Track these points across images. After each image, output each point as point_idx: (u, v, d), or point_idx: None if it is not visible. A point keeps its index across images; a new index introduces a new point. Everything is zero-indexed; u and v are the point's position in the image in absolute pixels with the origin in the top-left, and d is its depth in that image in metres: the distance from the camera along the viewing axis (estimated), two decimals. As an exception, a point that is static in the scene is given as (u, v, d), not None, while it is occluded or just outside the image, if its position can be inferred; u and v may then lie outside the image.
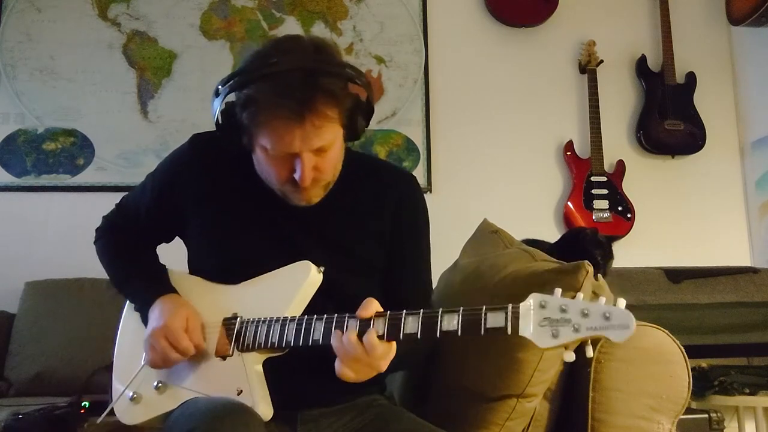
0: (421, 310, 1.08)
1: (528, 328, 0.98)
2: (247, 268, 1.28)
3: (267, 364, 1.20)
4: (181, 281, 1.36)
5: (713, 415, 1.99)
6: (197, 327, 1.26)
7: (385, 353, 1.09)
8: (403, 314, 1.08)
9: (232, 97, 1.22)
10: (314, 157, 1.20)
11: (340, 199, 1.33)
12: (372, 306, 1.11)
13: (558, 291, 1.00)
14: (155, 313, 1.29)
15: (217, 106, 1.22)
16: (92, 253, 1.48)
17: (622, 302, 0.96)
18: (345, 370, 1.10)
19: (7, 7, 3.14)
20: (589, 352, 0.98)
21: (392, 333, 1.08)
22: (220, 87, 1.21)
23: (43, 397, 2.21)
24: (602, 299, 0.97)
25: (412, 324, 1.07)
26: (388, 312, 1.10)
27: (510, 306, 1.01)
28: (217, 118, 1.24)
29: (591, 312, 0.96)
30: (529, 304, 1.00)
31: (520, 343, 1.33)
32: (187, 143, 1.39)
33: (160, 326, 1.25)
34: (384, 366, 1.10)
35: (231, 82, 1.19)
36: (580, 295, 0.99)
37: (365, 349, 1.07)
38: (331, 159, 1.24)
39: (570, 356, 0.98)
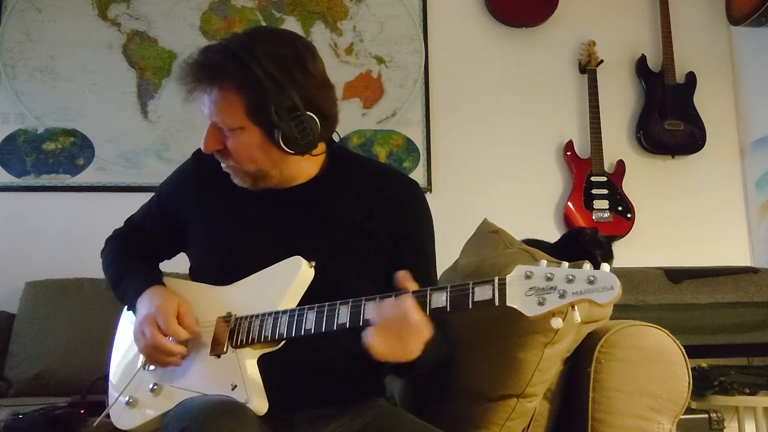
0: (411, 290, 1.09)
1: (514, 298, 1.01)
2: (243, 267, 1.29)
3: (264, 366, 1.20)
4: (175, 285, 1.37)
5: (713, 415, 1.99)
6: (189, 313, 1.27)
7: (420, 327, 1.07)
8: (393, 295, 1.10)
9: None
10: (218, 132, 1.27)
11: (336, 198, 1.35)
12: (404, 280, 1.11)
13: (543, 262, 1.02)
14: (144, 302, 1.30)
15: None
16: (92, 253, 1.49)
17: (605, 266, 0.98)
18: (376, 337, 1.08)
19: (7, 7, 3.14)
20: (576, 317, 0.99)
21: None
22: None
23: (43, 397, 2.20)
24: (587, 265, 0.99)
25: None
26: (378, 296, 1.11)
27: (496, 278, 1.03)
28: None
29: (576, 277, 0.98)
30: (515, 275, 1.02)
31: (521, 343, 1.34)
32: (190, 156, 1.45)
33: (149, 312, 1.26)
34: (416, 350, 1.08)
35: None
36: (565, 264, 1.01)
37: (401, 310, 1.06)
38: (237, 146, 1.27)
39: (558, 323, 0.99)
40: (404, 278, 1.11)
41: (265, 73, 1.20)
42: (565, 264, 1.00)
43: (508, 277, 1.02)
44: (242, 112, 1.23)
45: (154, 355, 1.26)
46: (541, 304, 0.99)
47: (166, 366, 1.27)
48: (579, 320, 0.99)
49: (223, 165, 1.32)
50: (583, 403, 1.37)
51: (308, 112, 1.24)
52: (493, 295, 1.02)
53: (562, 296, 0.98)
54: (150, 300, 1.29)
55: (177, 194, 1.43)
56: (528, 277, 1.00)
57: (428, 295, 1.08)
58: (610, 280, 0.96)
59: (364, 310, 1.11)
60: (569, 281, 0.98)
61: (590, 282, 0.97)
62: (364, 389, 1.35)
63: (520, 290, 1.00)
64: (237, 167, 1.30)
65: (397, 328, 1.06)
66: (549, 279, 0.99)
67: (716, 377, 2.45)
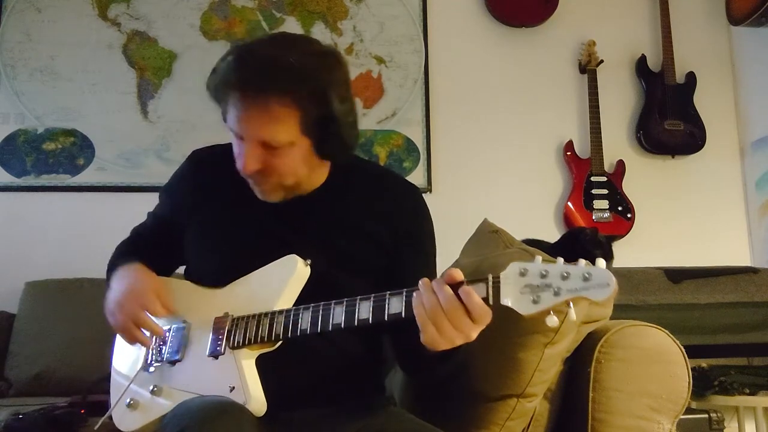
0: (404, 289, 1.08)
1: (508, 296, 0.99)
2: (242, 269, 1.28)
3: (263, 366, 1.20)
4: (173, 285, 1.37)
5: (713, 415, 1.99)
6: (167, 292, 1.27)
7: (484, 315, 1.02)
8: (387, 294, 1.09)
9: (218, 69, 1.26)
10: (262, 150, 1.21)
11: (336, 201, 1.34)
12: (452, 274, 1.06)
13: (539, 258, 1.00)
14: (120, 275, 1.30)
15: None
16: (92, 253, 1.50)
17: (601, 262, 0.96)
18: (430, 329, 1.03)
19: (7, 7, 3.14)
20: (572, 315, 0.97)
21: (377, 315, 1.09)
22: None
23: (43, 397, 2.20)
24: (582, 261, 0.97)
25: (396, 303, 1.08)
26: (372, 295, 1.11)
27: (490, 276, 1.01)
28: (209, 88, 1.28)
29: (571, 274, 0.96)
30: (509, 272, 1.00)
31: (521, 343, 1.34)
32: (186, 159, 1.44)
33: (128, 287, 1.26)
34: (475, 334, 1.04)
35: (222, 57, 1.25)
36: (561, 260, 0.99)
37: (459, 297, 1.01)
38: (285, 161, 1.23)
39: (553, 321, 0.96)
40: (453, 271, 1.06)
41: (318, 84, 1.18)
42: (561, 260, 0.98)
43: (502, 274, 1.00)
44: (296, 126, 1.20)
45: (132, 330, 1.24)
46: (535, 302, 0.97)
47: (137, 342, 1.27)
48: (575, 318, 0.97)
49: (252, 183, 1.28)
50: (583, 403, 1.37)
51: (350, 119, 1.24)
52: (487, 293, 1.01)
53: (557, 294, 0.96)
54: (126, 274, 1.29)
55: (173, 199, 1.43)
56: (522, 275, 0.98)
57: (387, 300, 1.08)
58: (605, 277, 0.94)
59: (358, 309, 1.11)
60: (564, 278, 0.96)
61: (585, 279, 0.95)
62: (363, 389, 1.35)
63: (515, 288, 0.98)
64: (275, 182, 1.27)
65: (456, 317, 1.02)
66: (544, 276, 0.97)
67: (716, 377, 2.45)
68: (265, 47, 1.22)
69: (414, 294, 1.06)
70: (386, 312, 1.09)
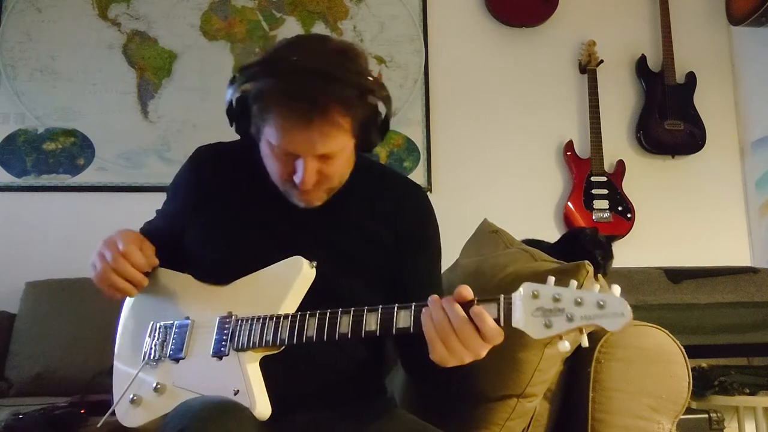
0: (413, 303, 1.07)
1: (520, 318, 0.97)
2: (239, 269, 1.28)
3: (266, 368, 1.19)
4: (174, 279, 1.36)
5: (713, 415, 1.99)
6: (151, 248, 1.28)
7: (497, 334, 1.00)
8: (395, 307, 1.08)
9: (247, 85, 1.21)
10: (318, 162, 1.20)
11: (338, 201, 1.33)
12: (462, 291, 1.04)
13: (551, 279, 0.97)
14: (111, 234, 1.29)
15: (230, 93, 1.22)
16: (92, 253, 1.48)
17: (616, 289, 0.94)
18: (439, 347, 1.02)
19: (7, 7, 3.14)
20: (584, 341, 0.95)
21: (385, 328, 1.08)
22: (237, 75, 1.21)
23: (43, 397, 2.20)
24: (596, 287, 0.95)
25: (404, 318, 1.07)
26: (380, 306, 1.09)
27: (502, 297, 0.99)
28: (230, 105, 1.24)
29: (585, 300, 0.94)
30: (521, 293, 0.97)
31: (521, 343, 1.34)
32: (189, 157, 1.42)
33: (110, 239, 1.26)
34: (484, 352, 1.03)
35: (248, 71, 1.19)
36: (574, 283, 0.96)
37: (470, 317, 1.00)
38: (337, 167, 1.24)
39: (565, 346, 0.95)
40: (463, 288, 1.04)
41: (360, 83, 1.17)
42: (573, 283, 0.96)
43: (514, 296, 0.98)
44: (349, 131, 1.20)
45: (110, 276, 1.24)
46: (548, 326, 0.94)
47: (116, 292, 1.26)
48: (587, 345, 0.96)
49: (297, 193, 1.26)
50: (583, 403, 1.37)
51: (390, 107, 1.24)
52: (498, 314, 0.99)
53: (570, 320, 0.93)
54: (114, 233, 1.29)
55: (177, 196, 1.43)
56: (535, 296, 0.96)
57: (395, 313, 1.07)
58: (620, 306, 0.92)
59: (365, 321, 1.10)
60: (577, 304, 0.93)
61: (600, 306, 0.92)
62: (365, 391, 1.35)
63: (527, 310, 0.96)
64: (325, 188, 1.27)
65: (466, 337, 1.01)
66: (557, 300, 0.95)
67: (716, 377, 2.45)
68: (295, 56, 1.18)
69: (423, 310, 1.05)
70: (394, 326, 1.08)
